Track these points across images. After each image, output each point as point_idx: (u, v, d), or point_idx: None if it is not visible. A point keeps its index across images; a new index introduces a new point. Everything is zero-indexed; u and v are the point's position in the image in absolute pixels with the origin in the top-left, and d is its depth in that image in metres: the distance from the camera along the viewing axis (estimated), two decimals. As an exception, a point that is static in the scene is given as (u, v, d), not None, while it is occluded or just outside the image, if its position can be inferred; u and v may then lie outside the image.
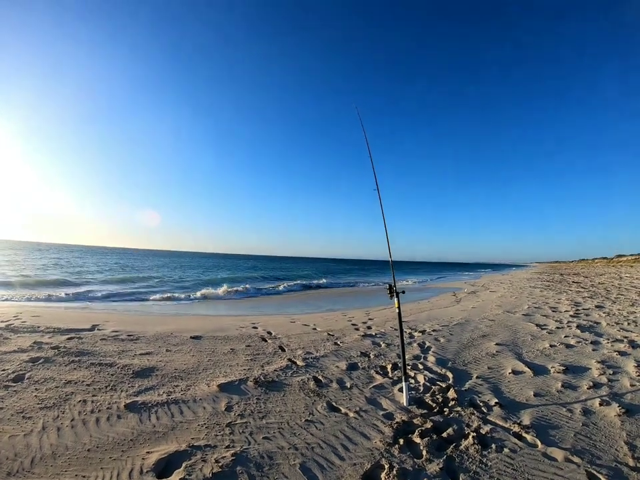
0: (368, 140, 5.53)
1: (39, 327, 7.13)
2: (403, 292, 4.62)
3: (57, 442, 3.17)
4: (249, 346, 6.62)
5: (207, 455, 3.05)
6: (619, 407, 4.04)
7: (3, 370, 4.64)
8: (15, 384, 4.28)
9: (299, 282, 27.87)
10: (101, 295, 15.95)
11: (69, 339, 6.39)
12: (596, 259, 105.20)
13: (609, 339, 7.02)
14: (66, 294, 15.20)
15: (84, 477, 2.72)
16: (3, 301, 12.76)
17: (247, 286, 21.40)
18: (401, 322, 4.55)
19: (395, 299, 4.53)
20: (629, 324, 8.46)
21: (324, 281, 30.83)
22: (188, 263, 64.83)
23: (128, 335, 7.01)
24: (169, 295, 16.97)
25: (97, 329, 7.52)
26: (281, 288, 23.11)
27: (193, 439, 3.31)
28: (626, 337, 7.15)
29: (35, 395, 4.01)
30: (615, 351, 6.17)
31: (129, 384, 4.52)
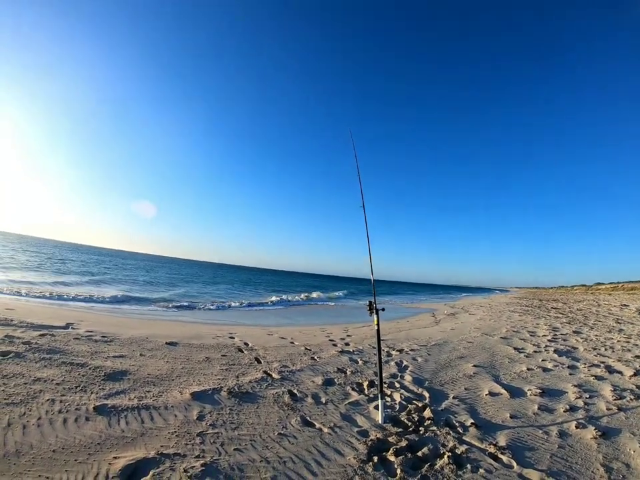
0: (358, 161, 5.58)
1: (12, 320, 6.98)
2: (383, 309, 4.60)
3: (22, 440, 3.07)
4: (224, 355, 6.53)
5: (175, 463, 2.96)
6: (595, 429, 4.04)
7: (-30, 362, 4.52)
8: (-19, 376, 4.16)
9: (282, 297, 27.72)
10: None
11: (41, 335, 6.23)
12: (575, 286, 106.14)
13: (585, 364, 7.04)
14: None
15: (47, 477, 2.64)
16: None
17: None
18: (379, 339, 4.52)
19: (375, 316, 4.51)
20: (605, 349, 8.50)
21: (302, 296, 30.47)
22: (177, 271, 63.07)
23: (102, 336, 6.87)
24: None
25: (71, 328, 7.38)
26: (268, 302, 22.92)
27: (162, 446, 3.22)
28: (603, 362, 7.18)
29: (2, 390, 3.89)
30: (592, 376, 6.18)
31: (99, 386, 4.42)
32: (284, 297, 28.02)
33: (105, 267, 39.91)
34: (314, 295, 32.65)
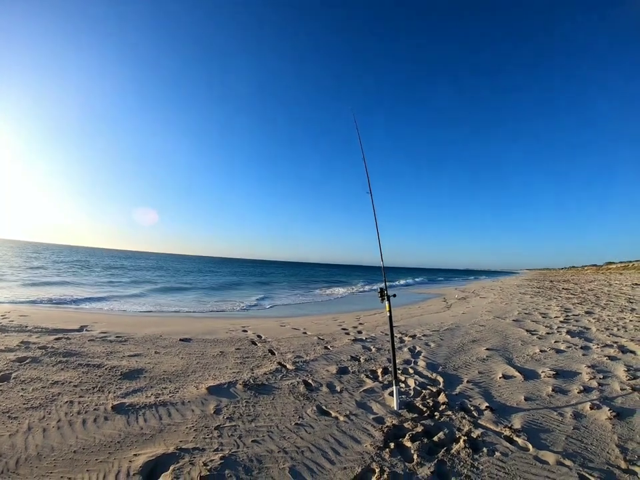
0: (362, 142, 5.56)
1: (26, 327, 7.12)
2: (394, 295, 4.60)
3: (43, 443, 3.12)
4: (238, 349, 6.58)
5: (195, 457, 3.00)
6: (609, 410, 4.04)
7: (-11, 369, 4.60)
8: (0, 383, 4.24)
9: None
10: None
11: (56, 339, 6.35)
12: (586, 266, 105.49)
13: (598, 344, 7.03)
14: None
15: (69, 478, 2.68)
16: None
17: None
18: (391, 325, 4.52)
19: (386, 302, 4.52)
20: (618, 329, 8.49)
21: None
22: (206, 268, 63.33)
23: (116, 337, 6.96)
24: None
25: (86, 330, 7.50)
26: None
27: (181, 441, 3.26)
28: (615, 342, 7.16)
29: (21, 395, 3.97)
30: (605, 356, 6.17)
31: (116, 385, 4.48)
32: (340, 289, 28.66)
33: (146, 273, 39.06)
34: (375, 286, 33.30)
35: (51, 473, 2.74)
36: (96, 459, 2.94)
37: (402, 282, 40.25)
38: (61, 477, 2.70)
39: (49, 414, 3.62)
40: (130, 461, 2.92)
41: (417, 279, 48.07)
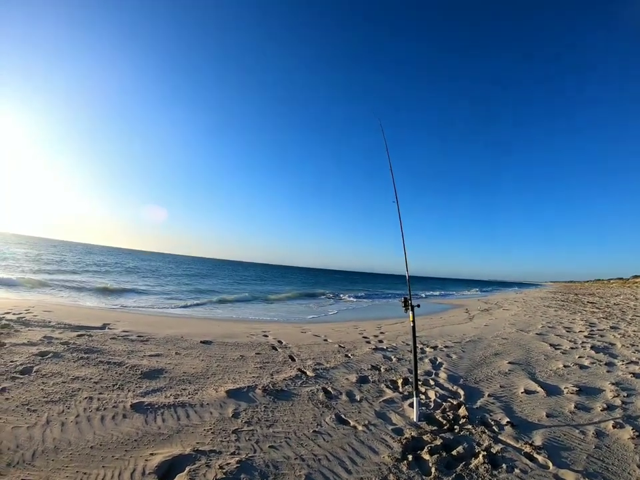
0: (389, 152, 5.55)
1: (50, 322, 7.26)
2: (418, 306, 4.58)
3: (60, 437, 3.17)
4: (258, 354, 6.60)
5: (211, 460, 3.01)
6: (632, 429, 3.95)
7: (12, 361, 4.71)
8: (22, 376, 4.32)
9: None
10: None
11: (79, 335, 6.44)
12: (612, 279, 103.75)
13: (623, 361, 6.89)
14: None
15: (85, 473, 2.71)
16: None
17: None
18: (414, 335, 4.50)
19: (410, 312, 4.49)
20: (644, 346, 8.28)
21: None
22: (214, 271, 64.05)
23: (138, 336, 7.04)
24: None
25: (108, 328, 7.63)
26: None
27: (198, 443, 3.27)
28: (641, 359, 6.99)
29: (42, 389, 4.04)
30: (630, 373, 6.04)
31: (136, 384, 4.53)
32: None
33: (202, 279, 38.80)
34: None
35: (67, 467, 2.78)
36: (112, 456, 2.97)
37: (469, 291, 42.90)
38: (77, 471, 2.73)
39: (68, 408, 3.68)
40: (146, 460, 2.94)
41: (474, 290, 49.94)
